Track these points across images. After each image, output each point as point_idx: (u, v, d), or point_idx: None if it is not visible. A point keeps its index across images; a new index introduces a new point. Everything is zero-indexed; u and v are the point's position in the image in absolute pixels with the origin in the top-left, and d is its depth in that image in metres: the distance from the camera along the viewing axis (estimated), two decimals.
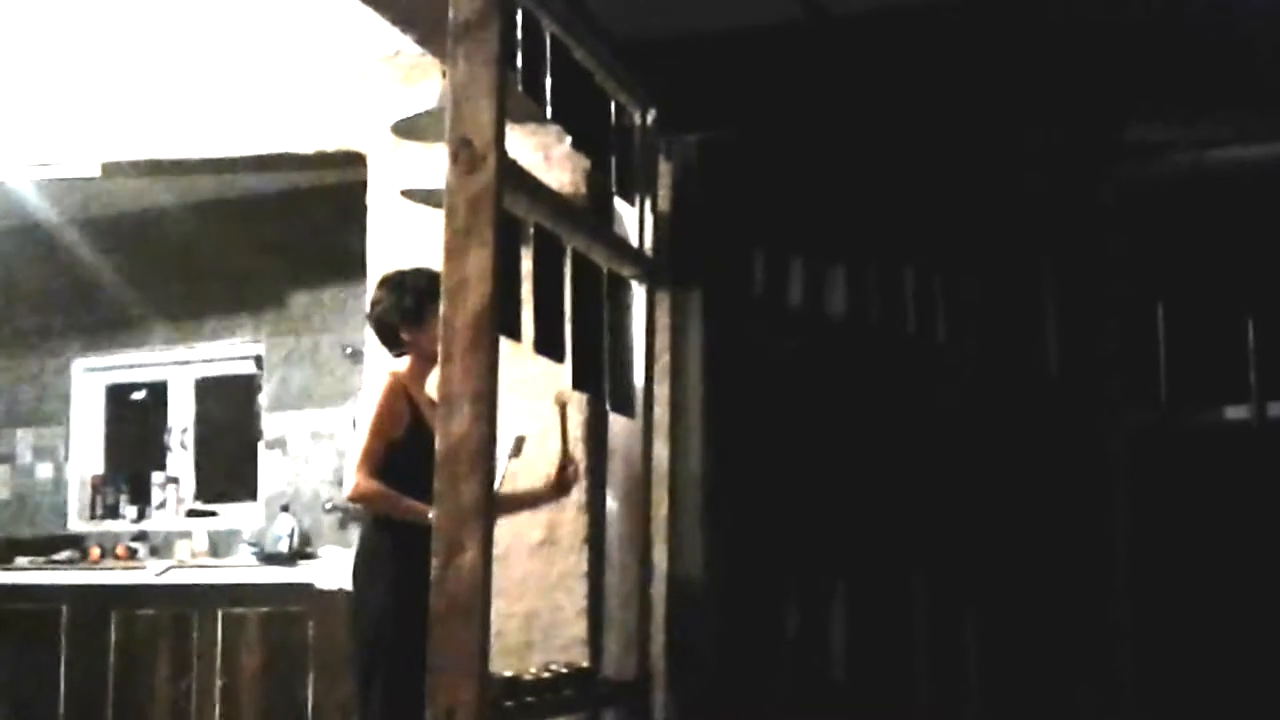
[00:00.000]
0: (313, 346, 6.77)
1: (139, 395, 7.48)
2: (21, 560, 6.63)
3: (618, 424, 4.05)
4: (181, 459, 7.28)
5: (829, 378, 4.07)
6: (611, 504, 4.09)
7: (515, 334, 3.23)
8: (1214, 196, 3.89)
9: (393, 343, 3.95)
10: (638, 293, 4.07)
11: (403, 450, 3.73)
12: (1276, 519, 3.78)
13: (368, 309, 4.11)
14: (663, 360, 4.16)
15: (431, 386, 3.88)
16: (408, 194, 4.18)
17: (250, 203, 6.70)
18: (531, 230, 3.41)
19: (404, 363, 3.89)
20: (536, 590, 4.39)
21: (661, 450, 4.11)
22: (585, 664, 4.08)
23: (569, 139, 3.77)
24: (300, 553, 6.25)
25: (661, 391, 4.14)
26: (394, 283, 3.98)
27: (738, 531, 4.08)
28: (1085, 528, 3.79)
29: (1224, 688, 3.74)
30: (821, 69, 4.08)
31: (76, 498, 7.34)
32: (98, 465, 7.43)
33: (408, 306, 3.88)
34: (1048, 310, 3.91)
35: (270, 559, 6.22)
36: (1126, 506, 3.80)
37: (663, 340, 4.16)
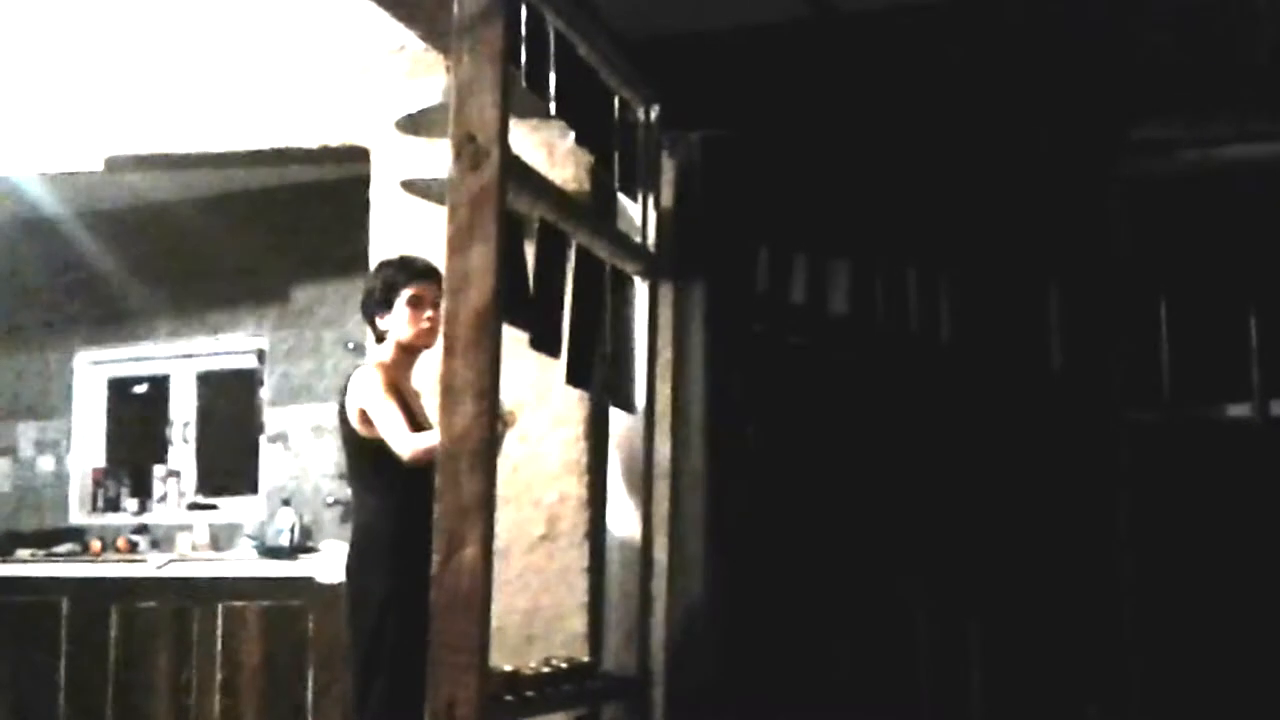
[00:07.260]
0: (315, 341, 6.77)
1: (141, 388, 7.48)
2: (22, 553, 6.63)
3: (619, 420, 4.06)
4: (183, 452, 7.28)
5: (831, 374, 4.07)
6: (613, 500, 4.08)
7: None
8: (1218, 194, 3.89)
9: (374, 331, 3.99)
10: (640, 289, 4.07)
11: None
12: (1278, 517, 3.79)
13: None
14: (665, 356, 4.16)
15: (416, 378, 3.90)
16: (407, 185, 4.18)
17: (253, 197, 6.70)
18: (536, 225, 3.41)
19: (387, 351, 3.91)
20: (537, 585, 4.39)
21: (663, 446, 4.11)
22: (586, 659, 4.08)
23: (572, 135, 3.77)
24: (301, 547, 6.25)
25: (663, 388, 4.13)
26: (370, 273, 4.08)
27: (738, 528, 4.08)
28: (1088, 524, 3.79)
29: (1227, 683, 3.74)
30: (826, 66, 4.08)
31: (78, 491, 7.34)
32: (99, 458, 7.42)
33: (377, 294, 3.92)
34: (1052, 307, 3.91)
35: (271, 553, 6.21)
36: (1129, 503, 3.81)
37: (665, 336, 4.16)
